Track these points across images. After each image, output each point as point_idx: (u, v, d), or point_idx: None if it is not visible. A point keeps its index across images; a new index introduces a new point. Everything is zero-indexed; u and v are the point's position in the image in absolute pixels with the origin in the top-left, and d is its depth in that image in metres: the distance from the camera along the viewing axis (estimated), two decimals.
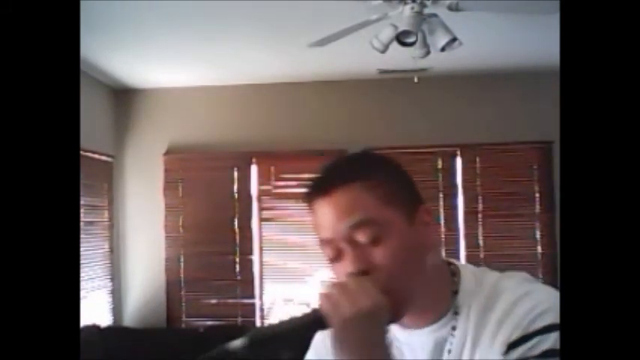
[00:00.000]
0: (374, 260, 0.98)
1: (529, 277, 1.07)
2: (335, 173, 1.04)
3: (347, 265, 0.99)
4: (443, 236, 5.29)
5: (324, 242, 1.02)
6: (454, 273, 1.06)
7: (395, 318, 1.00)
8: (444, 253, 5.68)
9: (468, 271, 1.07)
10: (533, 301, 0.97)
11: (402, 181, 1.05)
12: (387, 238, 0.98)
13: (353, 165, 1.06)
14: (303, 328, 0.97)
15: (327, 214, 1.01)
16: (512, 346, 0.95)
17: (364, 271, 0.98)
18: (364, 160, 1.08)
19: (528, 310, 0.96)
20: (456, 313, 1.03)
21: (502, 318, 0.98)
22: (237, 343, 0.90)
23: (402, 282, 0.99)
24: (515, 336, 0.95)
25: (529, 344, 0.94)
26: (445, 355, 1.03)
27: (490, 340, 0.98)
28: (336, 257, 1.01)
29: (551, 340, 0.92)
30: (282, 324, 0.95)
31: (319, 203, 1.03)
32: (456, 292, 1.04)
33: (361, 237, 0.98)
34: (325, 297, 0.95)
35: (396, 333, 1.06)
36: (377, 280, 0.96)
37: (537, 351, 0.93)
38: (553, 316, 0.93)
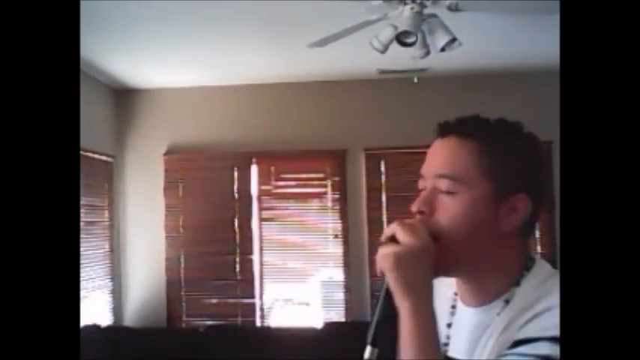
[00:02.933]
0: (437, 205, 1.05)
1: None
2: (463, 123, 1.12)
3: (417, 201, 1.07)
4: None
5: (420, 176, 1.10)
6: (528, 267, 1.07)
7: (438, 271, 1.04)
8: None
9: (541, 269, 1.07)
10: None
11: (519, 162, 1.07)
12: (461, 196, 1.04)
13: (484, 125, 1.12)
14: (387, 305, 1.03)
15: (432, 153, 1.10)
16: (516, 343, 0.97)
17: (422, 212, 1.06)
18: (500, 126, 1.12)
19: (552, 317, 0.95)
20: (507, 302, 1.05)
21: (531, 318, 0.99)
22: (368, 351, 1.01)
23: (453, 238, 1.04)
24: (523, 335, 0.97)
25: (530, 345, 0.95)
26: (483, 339, 1.06)
27: (512, 335, 0.99)
28: (420, 191, 1.10)
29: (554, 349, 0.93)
30: (376, 314, 1.04)
31: (435, 142, 1.11)
32: (517, 284, 1.05)
33: (441, 185, 1.05)
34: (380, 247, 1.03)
35: (458, 306, 1.14)
36: (427, 222, 1.04)
37: (536, 352, 0.94)
38: None
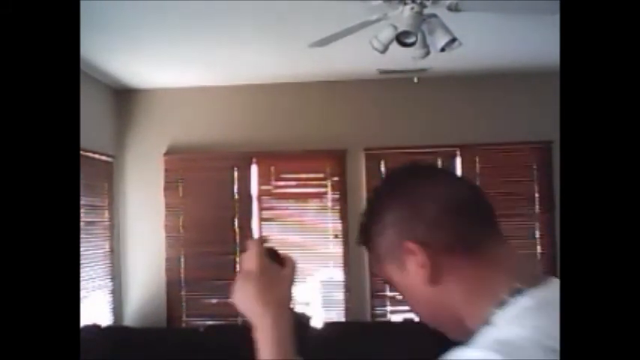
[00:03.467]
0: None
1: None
2: (361, 232, 1.07)
3: None
4: None
5: None
6: (502, 303, 0.93)
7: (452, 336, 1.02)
8: None
9: (515, 307, 0.93)
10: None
11: (395, 221, 1.00)
12: (401, 293, 1.04)
13: (367, 223, 1.05)
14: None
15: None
16: None
17: None
18: (374, 212, 1.04)
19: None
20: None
21: None
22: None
23: (427, 318, 1.03)
24: None
25: None
26: None
27: None
28: None
29: None
30: None
31: None
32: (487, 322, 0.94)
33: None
34: None
35: None
36: None
37: None
38: None
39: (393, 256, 1.01)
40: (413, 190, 1.02)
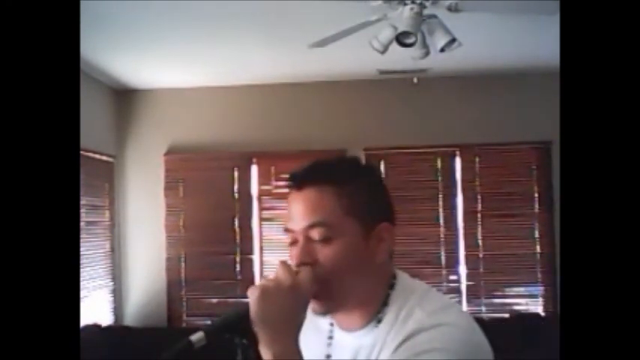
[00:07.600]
0: (318, 257, 1.09)
1: (451, 305, 1.12)
2: (312, 172, 1.14)
3: (295, 254, 1.10)
4: (442, 236, 5.30)
5: (286, 230, 1.14)
6: (392, 285, 1.13)
7: (325, 310, 1.11)
8: (443, 253, 5.62)
9: (403, 285, 1.13)
10: (431, 335, 1.00)
11: (373, 195, 1.14)
12: (336, 241, 1.08)
13: (332, 169, 1.15)
14: (246, 316, 1.04)
15: (295, 206, 1.12)
16: None
17: (305, 264, 1.08)
18: (345, 167, 1.17)
19: (422, 342, 1.00)
20: (379, 321, 1.10)
21: (402, 343, 1.03)
22: (197, 335, 1.00)
23: (338, 281, 1.09)
24: None
25: None
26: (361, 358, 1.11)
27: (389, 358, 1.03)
28: (292, 243, 1.13)
29: None
30: (229, 313, 1.06)
31: (293, 195, 1.13)
32: (386, 304, 1.11)
33: (314, 235, 1.09)
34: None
35: (335, 333, 1.18)
36: (313, 272, 1.06)
37: None
38: (440, 355, 0.97)
39: (362, 222, 1.12)
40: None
